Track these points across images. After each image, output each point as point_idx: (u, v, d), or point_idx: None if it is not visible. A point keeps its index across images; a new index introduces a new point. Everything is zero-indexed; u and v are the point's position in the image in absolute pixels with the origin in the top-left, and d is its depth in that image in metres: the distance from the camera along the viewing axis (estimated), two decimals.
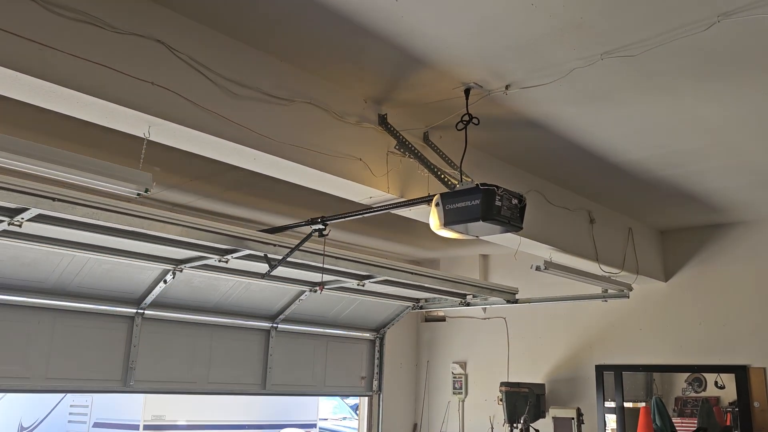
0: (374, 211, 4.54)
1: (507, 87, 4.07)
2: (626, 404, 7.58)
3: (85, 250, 4.71)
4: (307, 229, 4.78)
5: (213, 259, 4.98)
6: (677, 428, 7.38)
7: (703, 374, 7.52)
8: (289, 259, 4.90)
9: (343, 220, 4.69)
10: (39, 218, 3.94)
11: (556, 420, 7.30)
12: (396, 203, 4.45)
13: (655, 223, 7.32)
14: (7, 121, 4.23)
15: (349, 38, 3.60)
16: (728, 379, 7.15)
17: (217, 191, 6.02)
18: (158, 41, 3.31)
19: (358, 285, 6.12)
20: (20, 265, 4.86)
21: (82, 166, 3.11)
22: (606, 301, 6.97)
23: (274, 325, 6.80)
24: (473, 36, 3.51)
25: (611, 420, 7.53)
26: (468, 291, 6.81)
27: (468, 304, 7.30)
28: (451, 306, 7.45)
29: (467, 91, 4.14)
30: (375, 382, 7.94)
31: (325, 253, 5.03)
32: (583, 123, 4.64)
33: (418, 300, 7.44)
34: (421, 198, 4.27)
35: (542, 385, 7.74)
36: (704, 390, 7.58)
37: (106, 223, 4.07)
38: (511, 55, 3.70)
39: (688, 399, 7.72)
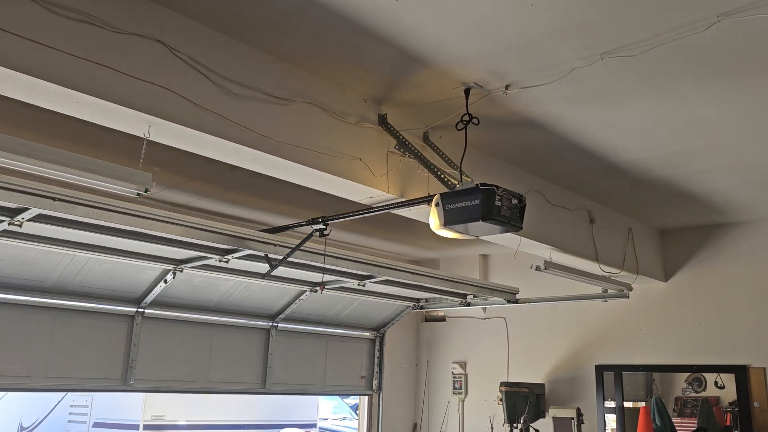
0: (375, 211, 4.54)
1: (507, 87, 4.07)
2: (626, 404, 7.58)
3: (85, 250, 4.71)
4: (308, 229, 4.78)
5: (213, 259, 4.98)
6: (677, 428, 7.39)
7: (703, 374, 7.52)
8: (289, 259, 4.89)
9: (343, 220, 4.69)
10: (39, 218, 3.93)
11: (555, 420, 7.30)
12: (396, 203, 4.46)
13: (655, 223, 7.32)
14: (5, 120, 4.23)
15: (349, 38, 3.60)
16: (728, 379, 7.15)
17: (216, 191, 6.02)
18: (158, 41, 3.31)
19: (358, 285, 6.12)
20: (20, 264, 4.87)
21: (82, 166, 3.11)
22: (606, 301, 6.97)
23: (274, 324, 6.80)
24: (473, 36, 3.51)
25: (611, 420, 7.53)
26: (469, 291, 6.81)
27: (468, 304, 7.30)
28: (452, 306, 7.45)
29: (467, 91, 4.14)
30: (375, 382, 7.94)
31: (326, 253, 5.03)
32: (583, 123, 4.64)
33: (418, 300, 7.44)
34: (421, 198, 4.27)
35: (542, 385, 7.74)
36: (704, 390, 7.58)
37: (106, 223, 4.07)
38: (510, 55, 3.70)
39: (687, 399, 7.72)
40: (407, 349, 9.20)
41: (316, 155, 3.98)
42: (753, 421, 6.62)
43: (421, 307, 7.59)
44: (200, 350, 6.18)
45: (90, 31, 3.07)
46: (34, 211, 3.79)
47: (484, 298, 7.13)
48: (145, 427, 8.33)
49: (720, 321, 6.93)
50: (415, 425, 9.05)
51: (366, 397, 8.47)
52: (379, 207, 4.53)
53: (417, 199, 4.32)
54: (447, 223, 3.87)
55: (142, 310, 5.72)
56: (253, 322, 6.66)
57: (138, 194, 3.34)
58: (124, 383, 5.62)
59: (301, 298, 6.55)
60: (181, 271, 5.28)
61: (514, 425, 7.26)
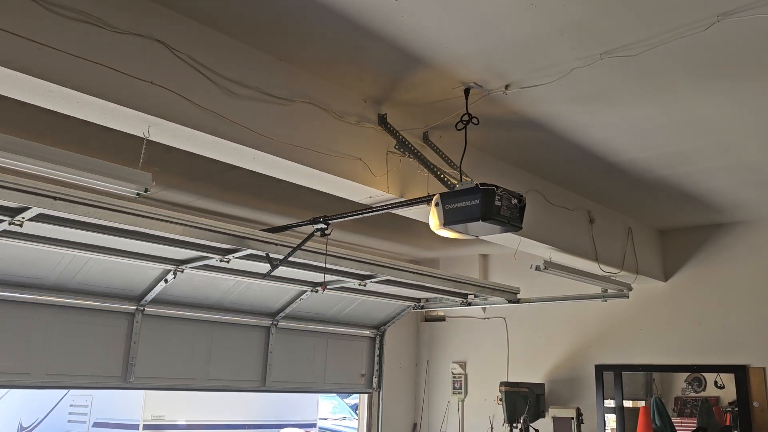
0: (376, 211, 4.54)
1: (506, 87, 4.07)
2: (626, 404, 7.59)
3: (85, 250, 4.70)
4: (309, 229, 4.77)
5: (214, 259, 4.97)
6: (677, 428, 7.39)
7: (703, 374, 7.52)
8: (290, 258, 4.89)
9: (344, 219, 4.68)
10: (40, 217, 3.93)
11: (555, 420, 7.30)
12: (396, 203, 4.46)
13: (655, 223, 7.32)
14: (5, 120, 4.23)
15: (349, 38, 3.60)
16: (728, 379, 7.16)
17: (216, 191, 6.02)
18: (158, 41, 3.31)
19: (359, 285, 6.12)
20: (20, 262, 4.86)
21: (81, 166, 3.11)
22: (606, 301, 6.97)
23: (274, 322, 6.80)
24: (473, 35, 3.52)
25: (611, 420, 7.54)
26: (470, 291, 6.81)
27: (469, 304, 7.30)
28: (453, 306, 7.45)
29: (467, 91, 4.14)
30: (375, 380, 7.93)
31: (327, 252, 5.02)
32: (582, 123, 4.64)
33: (419, 300, 7.44)
34: (420, 198, 4.27)
35: (542, 385, 7.74)
36: (704, 390, 7.59)
37: (107, 223, 4.06)
38: (510, 55, 3.70)
39: (687, 399, 7.73)
40: (407, 349, 9.21)
41: (316, 155, 3.98)
42: (753, 421, 6.62)
43: (422, 307, 7.59)
44: (200, 348, 6.18)
45: (90, 31, 3.07)
46: (34, 211, 3.78)
47: (484, 298, 7.13)
48: (145, 426, 8.33)
49: (720, 321, 6.93)
50: (414, 425, 9.06)
51: (366, 396, 8.47)
52: (379, 207, 4.53)
53: (417, 198, 4.32)
54: (447, 222, 3.87)
55: (142, 307, 5.72)
56: (253, 320, 6.65)
57: (138, 194, 3.34)
58: (124, 381, 5.62)
59: (301, 297, 6.55)
60: (182, 271, 5.28)
61: (514, 425, 7.26)
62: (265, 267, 5.17)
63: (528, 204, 4.03)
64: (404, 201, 4.43)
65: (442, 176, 4.27)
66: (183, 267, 5.24)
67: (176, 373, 6.02)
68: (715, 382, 7.44)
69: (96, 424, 8.97)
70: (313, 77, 4.05)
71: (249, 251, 4.82)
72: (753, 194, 6.11)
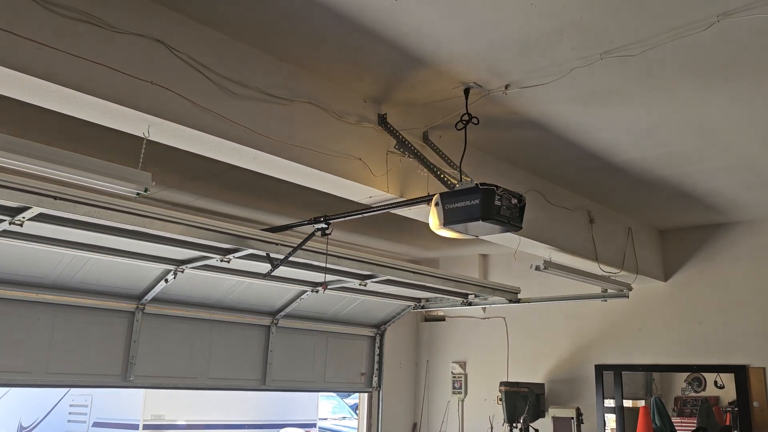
0: (377, 211, 4.54)
1: (506, 87, 4.07)
2: (626, 403, 7.59)
3: (86, 250, 4.70)
4: (310, 229, 4.77)
5: (215, 259, 4.97)
6: (677, 428, 7.39)
7: (703, 374, 7.53)
8: (291, 258, 4.88)
9: (345, 219, 4.68)
10: (40, 217, 3.92)
11: (555, 420, 7.30)
12: (396, 203, 4.46)
13: (655, 223, 7.32)
14: (5, 121, 4.23)
15: (349, 38, 3.60)
16: (728, 379, 7.16)
17: (215, 191, 6.02)
18: (158, 41, 3.31)
19: (360, 285, 6.12)
20: (21, 261, 4.86)
21: (81, 166, 3.11)
22: (605, 300, 6.97)
23: (275, 320, 6.79)
24: (473, 35, 3.52)
25: (611, 420, 7.54)
26: (470, 291, 6.80)
27: (470, 304, 7.30)
28: (453, 306, 7.45)
29: (467, 91, 4.14)
30: (375, 379, 7.93)
31: (328, 252, 5.02)
32: (582, 123, 4.64)
33: (419, 299, 7.44)
34: (420, 198, 4.27)
35: (542, 385, 7.74)
36: (704, 390, 7.59)
37: (107, 222, 4.06)
38: (510, 55, 3.70)
39: (687, 399, 7.73)
40: (407, 349, 9.20)
41: (316, 155, 3.98)
42: (752, 420, 6.62)
43: (422, 307, 7.59)
44: (200, 347, 6.18)
45: (90, 31, 3.07)
46: (35, 210, 3.78)
47: (485, 298, 7.13)
48: (145, 426, 8.32)
49: (719, 321, 6.93)
50: (414, 425, 9.06)
51: (366, 395, 8.46)
52: (379, 207, 4.53)
53: (417, 198, 4.32)
54: (447, 222, 3.87)
55: (142, 306, 5.71)
56: (253, 319, 6.65)
57: (138, 194, 3.34)
58: (124, 379, 5.62)
59: (302, 297, 6.55)
60: (182, 271, 5.28)
61: (514, 425, 7.26)
62: (265, 267, 5.17)
63: (528, 204, 4.04)
64: (404, 201, 4.43)
65: (442, 176, 4.27)
66: (183, 267, 5.24)
67: (176, 371, 6.01)
68: (715, 382, 7.44)
69: (96, 424, 8.97)
70: (313, 77, 4.05)
71: (249, 251, 4.81)
72: (753, 194, 6.11)
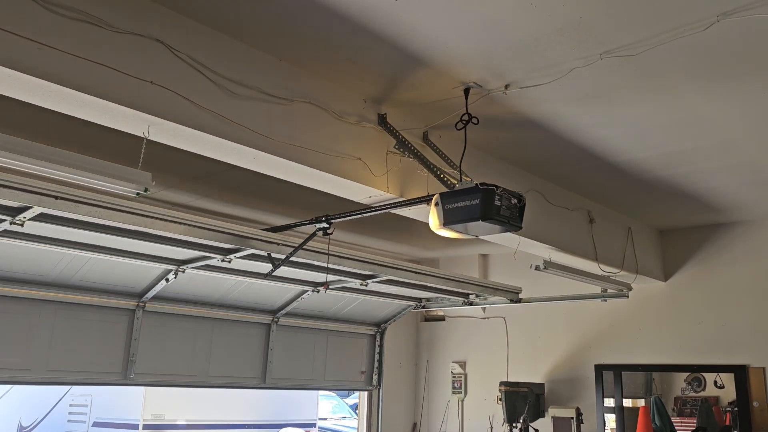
0: (378, 210, 4.53)
1: (506, 87, 4.07)
2: (626, 403, 7.59)
3: (86, 250, 4.69)
4: (311, 228, 4.77)
5: (216, 259, 4.96)
6: (676, 428, 7.39)
7: (703, 374, 7.52)
8: (292, 258, 4.88)
9: (346, 219, 4.67)
10: (41, 217, 3.92)
11: (555, 420, 7.31)
12: (396, 203, 4.46)
13: (655, 223, 7.32)
14: (4, 120, 4.23)
15: (349, 38, 3.60)
16: (727, 379, 7.16)
17: (215, 191, 6.02)
18: (158, 40, 3.31)
19: (361, 285, 6.12)
20: (22, 260, 4.86)
21: (81, 166, 3.11)
22: (605, 300, 6.98)
23: (275, 319, 6.79)
24: (473, 35, 3.52)
25: (611, 420, 7.54)
26: (471, 290, 6.80)
27: (471, 304, 7.30)
28: (454, 305, 7.45)
29: (467, 91, 4.14)
30: (375, 377, 7.93)
31: (330, 252, 5.02)
32: (582, 123, 4.64)
33: (420, 299, 7.44)
34: (420, 197, 4.27)
35: (542, 385, 7.74)
36: (703, 390, 7.59)
37: (108, 222, 4.06)
38: (510, 55, 3.70)
39: (687, 399, 7.73)
40: (407, 349, 9.21)
41: (316, 155, 3.98)
42: (752, 420, 6.62)
43: (423, 307, 7.59)
44: (201, 345, 6.18)
45: (90, 31, 3.07)
46: (36, 210, 3.77)
47: (484, 298, 7.13)
48: (145, 426, 8.33)
49: (719, 321, 6.94)
50: (414, 425, 9.06)
51: (366, 393, 8.47)
52: (379, 206, 4.53)
53: (416, 198, 4.32)
54: (446, 222, 3.88)
55: (143, 304, 5.71)
56: (253, 318, 6.64)
57: (138, 194, 3.34)
58: (125, 377, 5.62)
59: (302, 297, 6.55)
60: (183, 271, 5.28)
61: (514, 425, 7.26)
62: (266, 266, 5.17)
63: (528, 204, 4.04)
64: (404, 201, 4.43)
65: (441, 176, 4.27)
66: (184, 267, 5.23)
67: (177, 369, 6.02)
68: (715, 382, 7.44)
69: (96, 424, 8.97)
70: (313, 77, 4.05)
71: (251, 251, 4.81)
72: (753, 194, 6.11)
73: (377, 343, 7.95)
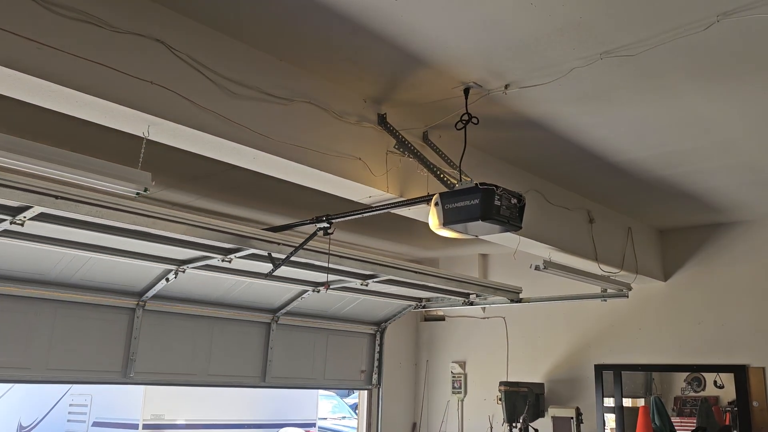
0: (378, 210, 4.53)
1: (506, 86, 4.07)
2: (626, 402, 7.59)
3: (87, 250, 4.69)
4: (311, 228, 4.77)
5: (216, 259, 4.96)
6: (676, 428, 7.40)
7: (702, 374, 7.53)
8: (292, 258, 4.88)
9: (347, 218, 4.67)
10: (41, 217, 3.92)
11: (555, 419, 7.31)
12: (395, 203, 4.46)
13: (655, 223, 7.32)
14: (4, 120, 4.23)
15: (349, 38, 3.60)
16: (727, 379, 7.16)
17: (213, 192, 6.02)
18: (158, 40, 3.31)
19: (361, 284, 6.12)
20: (21, 259, 4.86)
21: (81, 166, 3.11)
22: (605, 300, 6.98)
23: (275, 318, 6.79)
24: (473, 35, 3.52)
25: (610, 419, 7.54)
26: (472, 290, 6.80)
27: (471, 304, 7.29)
28: (454, 305, 7.44)
29: (466, 91, 4.14)
30: (375, 376, 7.92)
31: (331, 252, 5.01)
32: (582, 123, 4.64)
33: (420, 299, 7.44)
34: (420, 197, 4.27)
35: (541, 385, 7.75)
36: (703, 389, 7.59)
37: (108, 222, 4.05)
38: (510, 55, 3.70)
39: (687, 398, 7.73)
40: (407, 349, 9.21)
41: (316, 155, 3.98)
42: (752, 420, 6.62)
43: (423, 306, 7.59)
44: (201, 343, 6.18)
45: (90, 31, 3.07)
46: (36, 210, 3.77)
47: (485, 298, 7.13)
48: (145, 426, 8.33)
49: (719, 320, 6.94)
50: (414, 425, 9.06)
51: (365, 392, 8.47)
52: (379, 206, 4.52)
53: (416, 198, 4.32)
54: (446, 222, 3.88)
55: (143, 303, 5.71)
56: (253, 316, 6.64)
57: (137, 194, 3.34)
58: (124, 376, 5.62)
59: (303, 296, 6.55)
60: (183, 271, 5.28)
61: (514, 425, 7.26)
62: (266, 266, 5.17)
63: (528, 204, 4.04)
64: (404, 201, 4.43)
65: (441, 176, 4.27)
66: (185, 267, 5.23)
67: (177, 368, 6.02)
68: (715, 382, 7.44)
69: (95, 424, 8.97)
70: (313, 77, 4.05)
71: (251, 251, 4.81)
72: (753, 194, 6.11)
73: (377, 342, 7.94)
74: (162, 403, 8.49)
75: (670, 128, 4.68)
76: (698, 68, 3.81)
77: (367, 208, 4.58)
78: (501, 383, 7.41)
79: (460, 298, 7.19)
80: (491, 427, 8.22)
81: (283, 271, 5.33)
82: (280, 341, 6.85)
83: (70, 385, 9.35)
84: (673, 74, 3.89)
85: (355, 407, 12.82)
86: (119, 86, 3.13)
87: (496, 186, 3.79)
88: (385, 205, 4.51)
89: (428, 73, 3.96)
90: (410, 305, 7.56)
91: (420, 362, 9.28)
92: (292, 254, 4.83)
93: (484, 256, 8.90)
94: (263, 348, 6.72)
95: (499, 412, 7.56)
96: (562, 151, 5.16)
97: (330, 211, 4.71)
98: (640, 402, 7.77)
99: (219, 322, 6.35)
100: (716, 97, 4.19)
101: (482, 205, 3.73)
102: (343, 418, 14.66)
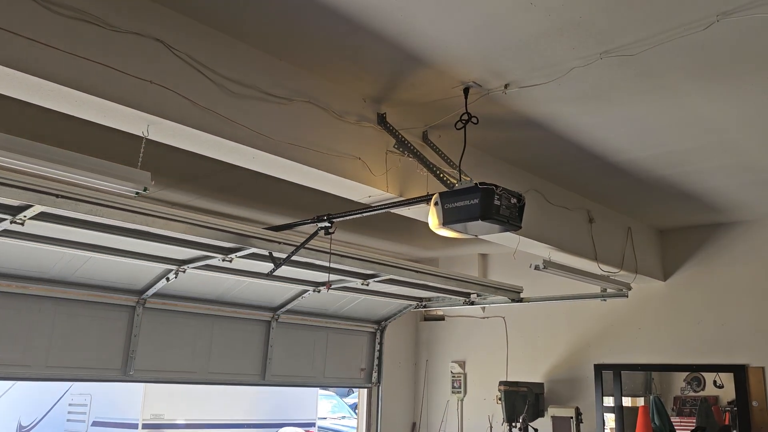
0: (379, 210, 4.53)
1: (506, 86, 4.07)
2: (625, 402, 7.59)
3: (87, 249, 4.68)
4: (312, 227, 4.76)
5: (217, 259, 4.95)
6: (676, 428, 7.39)
7: (702, 373, 7.52)
8: (293, 257, 4.87)
9: (348, 218, 4.66)
10: (41, 216, 3.91)
11: (554, 419, 7.31)
12: (395, 202, 4.46)
13: (654, 223, 7.33)
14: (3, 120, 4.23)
15: (348, 37, 3.60)
16: (727, 379, 7.16)
17: (211, 192, 6.02)
18: (157, 40, 3.31)
19: (362, 284, 6.11)
20: (21, 257, 4.84)
21: (80, 165, 3.11)
22: (605, 300, 6.98)
23: (275, 316, 6.79)
24: (472, 35, 3.52)
25: (610, 419, 7.54)
26: (473, 290, 6.79)
27: (472, 303, 7.29)
28: (455, 305, 7.44)
29: (466, 90, 4.14)
30: (374, 374, 7.92)
31: (332, 251, 5.01)
32: (582, 122, 4.64)
33: (421, 299, 7.44)
34: (420, 197, 4.26)
35: (541, 384, 7.75)
36: (703, 389, 7.59)
37: (109, 221, 4.05)
38: (510, 54, 3.70)
39: (686, 398, 7.73)
40: (406, 349, 9.21)
41: (315, 154, 3.98)
42: (752, 420, 6.63)
43: (424, 306, 7.59)
44: (201, 341, 6.17)
45: (89, 30, 3.06)
46: (37, 209, 3.76)
47: (485, 297, 7.13)
48: (144, 426, 8.33)
49: (719, 320, 6.94)
50: (414, 424, 9.06)
51: (365, 391, 8.46)
52: (379, 206, 4.52)
53: (416, 198, 4.32)
54: (446, 222, 3.87)
55: (143, 300, 5.69)
56: (254, 314, 6.64)
57: (137, 193, 3.34)
58: (124, 373, 5.60)
59: (303, 296, 6.54)
60: (184, 271, 5.27)
61: (513, 424, 7.26)
62: (266, 266, 5.16)
63: (527, 203, 4.04)
64: (404, 200, 4.43)
65: (441, 175, 4.27)
66: (185, 267, 5.23)
67: (176, 366, 6.01)
68: (714, 382, 7.44)
69: (95, 423, 8.97)
70: (312, 76, 4.05)
71: (252, 250, 4.79)
72: (753, 194, 6.11)
73: (377, 341, 7.92)
74: (162, 402, 8.48)
75: (670, 128, 4.68)
76: (698, 68, 3.81)
77: (367, 207, 4.58)
78: (501, 383, 7.41)
79: (461, 298, 7.19)
80: (491, 427, 8.22)
81: (284, 270, 5.33)
82: (280, 339, 6.84)
83: (69, 385, 9.36)
84: (672, 74, 3.89)
85: (354, 407, 12.83)
86: (119, 85, 3.13)
87: (495, 186, 3.79)
88: (384, 204, 4.51)
89: (428, 72, 3.96)
90: (411, 305, 7.56)
91: (420, 362, 9.29)
92: (293, 253, 4.82)
93: (483, 256, 8.90)
94: (263, 346, 6.71)
95: (498, 411, 7.56)
96: (562, 151, 5.16)
97: (329, 210, 4.71)
98: (640, 402, 7.78)
99: (219, 320, 6.34)
100: (716, 97, 4.19)
101: (482, 204, 3.73)
102: (343, 417, 14.66)
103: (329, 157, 4.06)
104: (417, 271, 5.97)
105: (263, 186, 5.43)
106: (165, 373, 5.99)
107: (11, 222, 3.90)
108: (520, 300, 7.06)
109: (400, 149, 4.43)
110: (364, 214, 4.60)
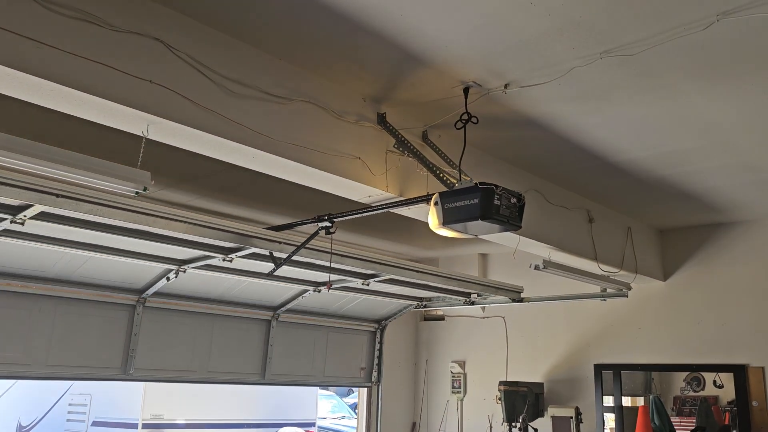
0: (380, 210, 4.53)
1: (506, 86, 4.07)
2: (625, 402, 7.59)
3: (87, 249, 4.68)
4: (313, 227, 4.76)
5: (217, 259, 4.95)
6: (676, 427, 7.39)
7: (702, 373, 7.52)
8: (294, 257, 4.87)
9: (349, 218, 4.66)
10: (42, 216, 3.91)
11: (554, 419, 7.31)
12: (395, 202, 4.46)
13: (654, 223, 7.33)
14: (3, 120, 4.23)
15: (348, 37, 3.60)
16: (727, 379, 7.16)
17: (210, 192, 6.02)
18: (157, 39, 3.31)
19: (362, 284, 6.11)
20: (22, 256, 4.84)
21: (80, 165, 3.11)
22: (605, 300, 6.98)
23: (275, 315, 6.78)
24: (472, 34, 3.52)
25: (610, 419, 7.54)
26: (474, 290, 6.79)
27: (473, 303, 7.29)
28: (455, 305, 7.44)
29: (466, 90, 4.14)
30: (374, 374, 7.91)
31: (333, 251, 5.00)
32: (582, 122, 4.64)
33: (421, 299, 7.44)
34: (420, 197, 4.27)
35: (541, 384, 7.75)
36: (703, 389, 7.59)
37: (109, 221, 4.04)
38: (510, 54, 3.70)
39: (686, 398, 7.73)
40: (406, 349, 9.21)
41: (315, 154, 3.98)
42: (751, 420, 6.63)
43: (424, 306, 7.59)
44: (201, 340, 6.16)
45: (89, 30, 3.06)
46: (37, 209, 3.76)
47: (486, 297, 7.13)
48: (144, 425, 8.33)
49: (719, 320, 6.94)
50: (414, 424, 9.06)
51: (365, 390, 8.46)
52: (379, 206, 4.52)
53: (416, 198, 4.32)
54: (446, 222, 3.88)
55: (143, 299, 5.69)
56: (254, 313, 6.64)
57: (137, 193, 3.34)
58: (124, 372, 5.60)
59: (303, 296, 6.54)
60: (184, 271, 5.27)
61: (513, 424, 7.26)
62: (267, 266, 5.16)
63: (527, 203, 4.04)
64: (403, 200, 4.43)
65: (441, 175, 4.27)
66: (185, 267, 5.22)
67: (176, 365, 6.01)
68: (714, 382, 7.44)
69: (95, 423, 8.97)
70: (312, 76, 4.05)
71: (253, 250, 4.79)
72: (753, 194, 6.12)
73: (377, 340, 7.91)
74: (161, 402, 8.48)
75: (670, 128, 4.68)
76: (698, 68, 3.81)
77: (367, 207, 4.58)
78: (500, 383, 7.41)
79: (461, 298, 7.18)
80: (491, 427, 8.22)
81: (284, 270, 5.32)
82: (280, 338, 6.83)
83: (69, 385, 9.36)
84: (672, 74, 3.89)
85: (354, 407, 12.83)
86: (118, 85, 3.13)
87: (495, 185, 3.79)
88: (384, 204, 4.51)
89: (428, 72, 3.96)
90: (411, 304, 7.55)
91: (419, 362, 9.29)
92: (294, 253, 4.82)
93: (483, 256, 8.90)
94: (263, 345, 6.71)
95: (498, 411, 7.56)
96: (562, 150, 5.16)
97: (329, 210, 4.71)
98: (640, 401, 7.77)
99: (219, 319, 6.33)
100: (716, 97, 4.19)
101: (482, 204, 3.73)
102: (343, 417, 14.66)
103: (329, 156, 4.06)
104: (417, 271, 5.97)
105: (263, 186, 5.43)
106: (165, 372, 5.99)
107: (11, 222, 3.90)
108: (521, 300, 7.06)
109: (400, 149, 4.43)
110: (364, 214, 4.60)
